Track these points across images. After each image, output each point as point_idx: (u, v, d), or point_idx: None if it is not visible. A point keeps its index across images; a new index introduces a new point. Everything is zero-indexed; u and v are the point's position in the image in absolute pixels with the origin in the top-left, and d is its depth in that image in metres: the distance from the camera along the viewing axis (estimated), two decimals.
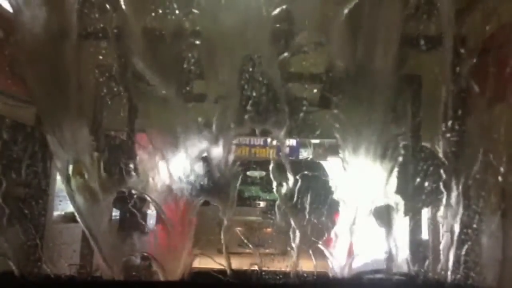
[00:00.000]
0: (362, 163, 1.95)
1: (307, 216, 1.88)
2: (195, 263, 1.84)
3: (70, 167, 1.91)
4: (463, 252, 1.81)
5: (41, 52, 1.96)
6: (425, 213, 3.89)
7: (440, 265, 1.85)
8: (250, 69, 2.06)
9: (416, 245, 3.53)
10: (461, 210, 1.85)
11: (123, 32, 2.05)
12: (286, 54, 2.08)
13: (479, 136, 1.80)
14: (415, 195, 3.33)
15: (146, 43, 2.00)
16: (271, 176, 2.02)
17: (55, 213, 5.18)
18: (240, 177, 2.35)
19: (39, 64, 1.99)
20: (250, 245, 3.90)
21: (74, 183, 1.89)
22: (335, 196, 4.31)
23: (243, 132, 2.19)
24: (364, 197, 2.01)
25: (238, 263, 1.85)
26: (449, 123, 1.83)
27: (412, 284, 1.71)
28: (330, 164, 5.27)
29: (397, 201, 3.61)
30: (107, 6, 2.06)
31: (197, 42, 2.21)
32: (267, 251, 4.16)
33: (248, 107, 2.04)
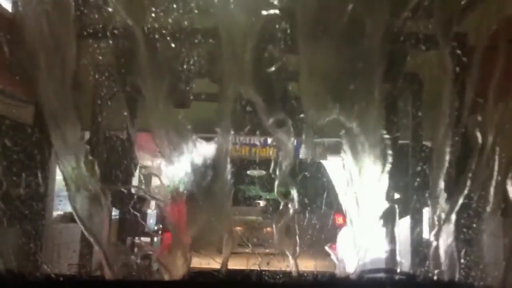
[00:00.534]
0: (362, 161, 1.95)
1: (307, 216, 1.88)
2: (195, 263, 1.84)
3: (71, 167, 1.90)
4: (464, 252, 1.81)
5: (40, 51, 1.96)
6: (426, 212, 3.89)
7: (440, 265, 1.85)
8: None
9: (417, 244, 3.52)
10: (462, 209, 1.84)
11: (125, 31, 2.05)
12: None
13: (481, 134, 1.79)
14: (415, 194, 3.32)
15: (146, 42, 1.99)
16: (272, 175, 2.01)
17: (55, 213, 5.18)
18: (241, 177, 2.34)
19: (39, 63, 1.98)
20: (250, 245, 3.90)
21: (75, 183, 1.88)
22: (335, 195, 4.31)
23: (243, 132, 2.18)
24: (365, 197, 2.01)
25: (238, 263, 1.85)
26: (450, 122, 1.82)
27: (413, 283, 1.70)
28: (331, 164, 5.27)
29: (398, 200, 3.61)
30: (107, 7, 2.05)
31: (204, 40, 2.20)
32: (267, 250, 4.15)
33: (248, 107, 2.04)
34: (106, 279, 1.65)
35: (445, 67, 1.77)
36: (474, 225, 1.86)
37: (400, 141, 3.60)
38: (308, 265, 1.81)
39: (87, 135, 3.68)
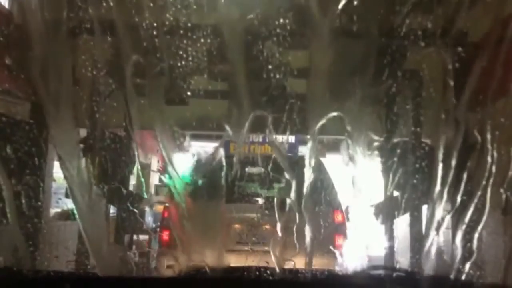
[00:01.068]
0: (362, 159, 1.94)
1: (306, 213, 1.87)
2: (193, 260, 1.83)
3: (72, 165, 1.89)
4: (463, 249, 1.80)
5: (38, 47, 1.94)
6: (425, 209, 3.89)
7: (440, 262, 1.84)
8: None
9: (415, 241, 3.52)
10: (461, 207, 1.84)
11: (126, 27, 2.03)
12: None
13: (481, 131, 1.79)
14: (414, 192, 3.32)
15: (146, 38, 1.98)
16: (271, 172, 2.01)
17: (53, 211, 5.17)
18: (239, 174, 2.33)
19: (38, 60, 1.97)
20: (249, 242, 3.89)
21: (75, 180, 1.87)
22: (334, 192, 4.30)
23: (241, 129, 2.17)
24: (364, 194, 2.00)
25: (237, 260, 1.84)
26: (450, 119, 1.82)
27: (412, 280, 1.70)
28: (329, 161, 5.26)
29: (397, 197, 3.61)
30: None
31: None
32: (265, 248, 4.13)
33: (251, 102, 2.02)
34: (104, 276, 1.64)
35: (444, 64, 1.77)
36: (473, 223, 1.85)
37: (400, 139, 3.60)
38: (306, 262, 1.80)
39: (85, 132, 3.67)
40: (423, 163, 3.13)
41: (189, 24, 2.45)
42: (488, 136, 1.80)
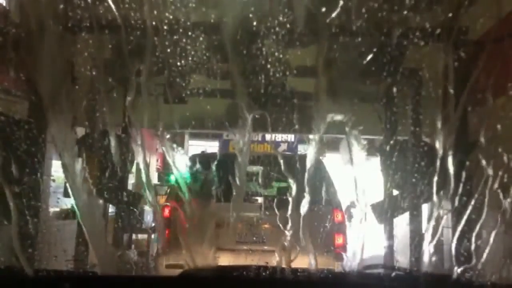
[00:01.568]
0: (361, 158, 1.93)
1: (305, 212, 1.86)
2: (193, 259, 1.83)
3: (71, 164, 1.88)
4: (463, 247, 1.80)
5: (36, 45, 1.93)
6: (425, 208, 3.89)
7: (439, 261, 1.84)
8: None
9: (415, 240, 3.52)
10: (461, 205, 1.84)
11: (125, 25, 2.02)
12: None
13: (481, 129, 1.78)
14: (414, 190, 3.32)
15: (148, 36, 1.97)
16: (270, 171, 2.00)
17: (52, 210, 5.17)
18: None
19: (36, 58, 1.96)
20: (248, 242, 3.89)
21: (75, 178, 1.86)
22: (334, 191, 4.29)
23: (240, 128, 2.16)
24: (362, 193, 2.00)
25: (236, 259, 1.84)
26: (450, 117, 1.81)
27: (411, 279, 1.69)
28: (329, 160, 5.26)
29: (397, 197, 3.61)
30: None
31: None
32: (265, 247, 4.14)
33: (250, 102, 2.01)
34: (103, 275, 1.64)
35: (445, 62, 1.76)
36: (473, 222, 1.85)
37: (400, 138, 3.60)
38: (306, 261, 1.80)
39: (83, 131, 3.67)
40: (422, 162, 3.12)
41: (188, 23, 2.44)
42: (488, 135, 1.80)
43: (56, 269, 1.73)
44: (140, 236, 5.41)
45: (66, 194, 4.34)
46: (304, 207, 1.86)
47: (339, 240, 3.90)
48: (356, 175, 1.95)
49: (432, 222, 1.84)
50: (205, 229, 1.85)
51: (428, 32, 2.27)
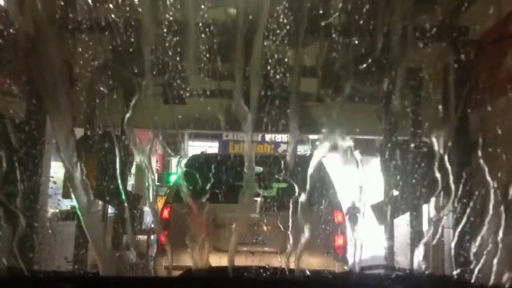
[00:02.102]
0: (361, 158, 1.93)
1: (305, 213, 1.86)
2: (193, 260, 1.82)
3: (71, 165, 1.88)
4: (464, 248, 1.80)
5: (34, 46, 1.93)
6: (425, 209, 3.89)
7: (439, 261, 1.83)
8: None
9: (415, 241, 3.51)
10: (462, 206, 1.83)
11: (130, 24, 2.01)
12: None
13: (481, 129, 1.78)
14: (414, 191, 3.32)
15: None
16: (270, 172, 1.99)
17: (52, 211, 5.16)
18: (238, 174, 2.32)
19: (34, 58, 1.95)
20: (248, 243, 3.88)
21: (75, 179, 1.86)
22: (333, 192, 4.29)
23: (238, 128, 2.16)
24: (363, 194, 1.99)
25: (236, 260, 1.83)
26: (450, 117, 1.81)
27: (411, 280, 1.69)
28: (329, 160, 5.25)
29: (397, 197, 3.61)
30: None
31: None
32: (265, 248, 4.14)
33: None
34: (103, 276, 1.63)
35: (445, 62, 1.76)
36: (474, 222, 1.84)
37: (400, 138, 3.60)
38: (306, 262, 1.80)
39: (82, 131, 3.66)
40: (422, 163, 3.12)
41: (187, 23, 2.43)
42: (489, 135, 1.79)
43: (56, 270, 1.73)
44: (140, 237, 5.41)
45: (65, 195, 4.34)
46: (304, 208, 1.86)
47: (339, 241, 3.89)
48: (356, 175, 1.95)
49: (433, 223, 1.84)
50: (205, 230, 1.85)
51: (428, 32, 2.26)
